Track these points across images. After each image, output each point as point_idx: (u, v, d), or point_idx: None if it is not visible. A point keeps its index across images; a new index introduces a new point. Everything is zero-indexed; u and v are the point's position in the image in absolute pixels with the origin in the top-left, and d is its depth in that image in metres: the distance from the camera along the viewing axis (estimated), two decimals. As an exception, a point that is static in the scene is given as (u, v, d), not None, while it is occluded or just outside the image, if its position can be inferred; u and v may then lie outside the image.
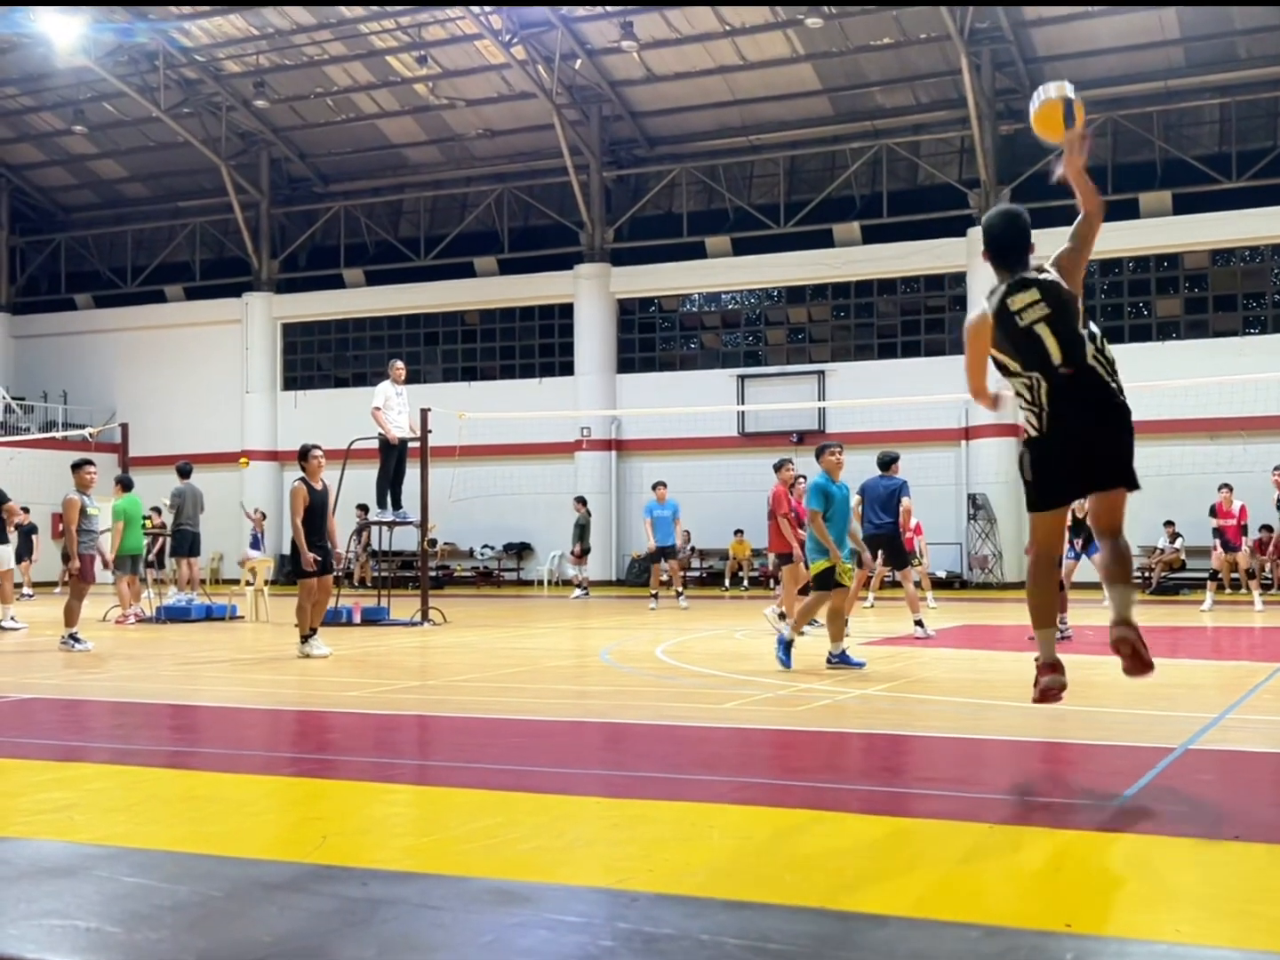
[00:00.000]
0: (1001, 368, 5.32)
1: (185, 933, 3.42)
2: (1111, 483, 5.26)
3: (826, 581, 9.75)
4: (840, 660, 9.68)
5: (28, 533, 24.28)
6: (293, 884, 3.86)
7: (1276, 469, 17.23)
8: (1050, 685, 5.40)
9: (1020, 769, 6.03)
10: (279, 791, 5.46)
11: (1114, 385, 5.18)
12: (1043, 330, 5.12)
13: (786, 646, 9.67)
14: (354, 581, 24.90)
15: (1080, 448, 5.17)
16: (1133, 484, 5.25)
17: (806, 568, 10.56)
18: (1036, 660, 5.50)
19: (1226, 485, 18.47)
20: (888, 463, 13.37)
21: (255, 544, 25.16)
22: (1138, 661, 5.18)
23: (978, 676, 9.56)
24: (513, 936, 3.35)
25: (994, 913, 3.56)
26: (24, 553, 23.77)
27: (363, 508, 25.12)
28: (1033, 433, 5.25)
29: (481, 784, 5.48)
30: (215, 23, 28.96)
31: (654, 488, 19.85)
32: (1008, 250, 5.31)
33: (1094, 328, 5.25)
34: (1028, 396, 5.22)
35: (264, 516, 26.67)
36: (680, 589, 19.64)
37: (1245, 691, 8.35)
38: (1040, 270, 5.23)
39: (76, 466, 13.19)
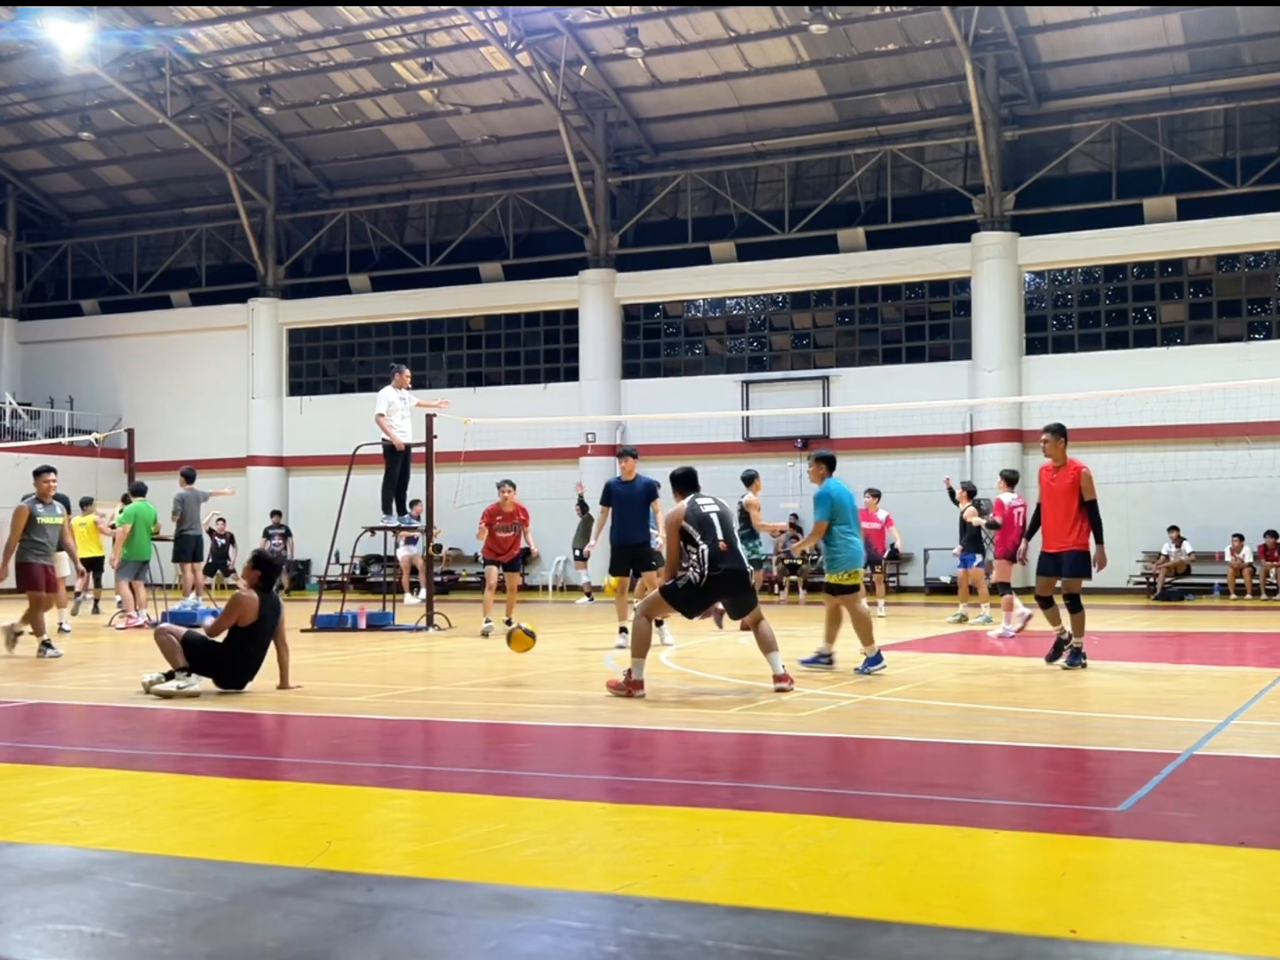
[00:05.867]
0: (687, 537, 8.56)
1: (190, 938, 3.42)
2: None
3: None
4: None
5: None
6: (297, 889, 3.87)
7: None
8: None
9: (1024, 775, 6.03)
10: (283, 797, 5.46)
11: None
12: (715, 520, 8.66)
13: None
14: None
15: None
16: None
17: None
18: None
19: None
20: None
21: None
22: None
23: (982, 682, 9.55)
24: (517, 942, 3.35)
25: (999, 918, 3.56)
26: None
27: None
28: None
29: (485, 789, 5.48)
30: (222, 29, 28.99)
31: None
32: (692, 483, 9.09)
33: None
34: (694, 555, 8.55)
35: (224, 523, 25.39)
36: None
37: (1250, 697, 8.34)
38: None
39: (37, 474, 12.29)
